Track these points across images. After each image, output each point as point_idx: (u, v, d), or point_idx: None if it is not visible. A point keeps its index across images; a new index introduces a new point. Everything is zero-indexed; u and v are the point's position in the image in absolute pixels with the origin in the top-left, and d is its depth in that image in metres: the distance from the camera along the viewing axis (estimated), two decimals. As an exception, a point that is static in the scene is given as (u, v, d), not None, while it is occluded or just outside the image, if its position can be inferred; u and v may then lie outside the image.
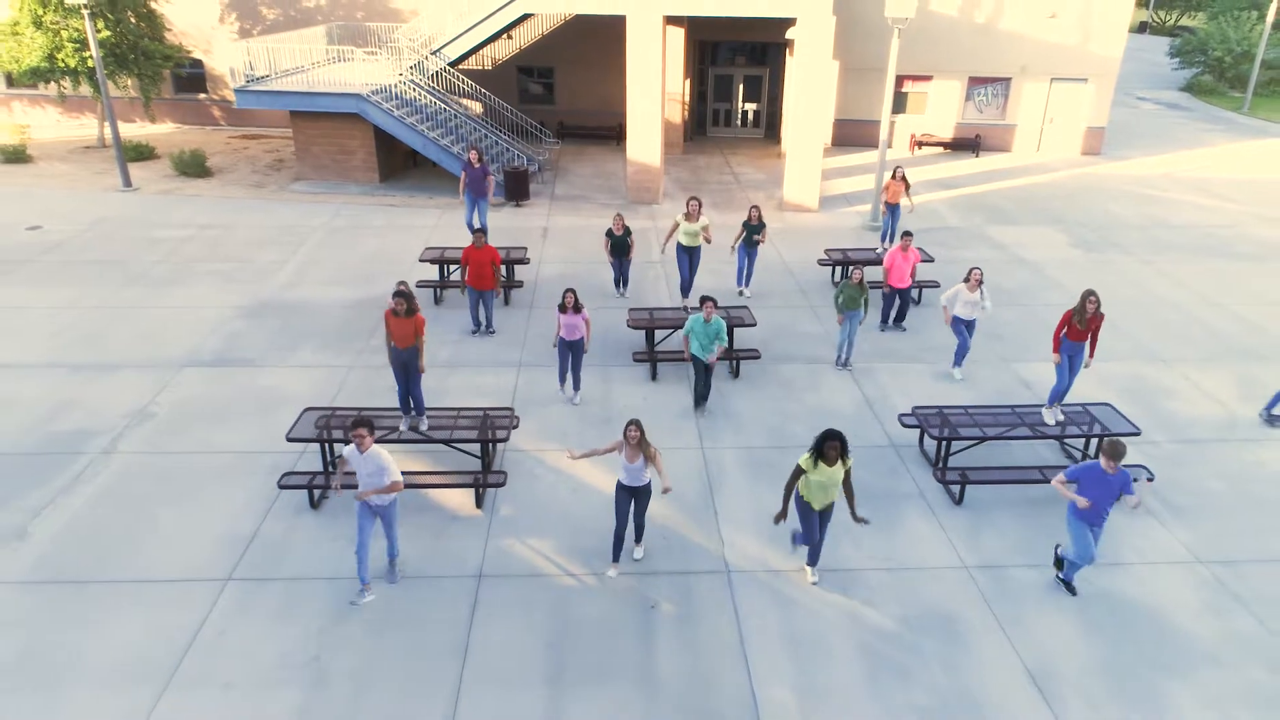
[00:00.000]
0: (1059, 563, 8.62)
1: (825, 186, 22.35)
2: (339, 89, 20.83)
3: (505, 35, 24.10)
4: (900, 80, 26.01)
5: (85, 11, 19.88)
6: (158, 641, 7.84)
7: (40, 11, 22.23)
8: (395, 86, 21.40)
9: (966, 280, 11.96)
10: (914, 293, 15.21)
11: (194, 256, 17.07)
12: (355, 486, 8.65)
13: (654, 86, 19.96)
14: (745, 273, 15.47)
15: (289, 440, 9.93)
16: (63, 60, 22.53)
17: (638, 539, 8.92)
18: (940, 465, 10.32)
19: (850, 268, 14.46)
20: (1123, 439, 9.65)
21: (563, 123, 27.52)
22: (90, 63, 22.39)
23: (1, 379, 12.21)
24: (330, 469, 9.98)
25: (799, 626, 8.15)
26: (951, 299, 12.16)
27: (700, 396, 11.67)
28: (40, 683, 7.39)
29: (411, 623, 8.12)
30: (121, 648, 7.76)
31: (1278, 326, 14.91)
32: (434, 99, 21.96)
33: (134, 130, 26.88)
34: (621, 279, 15.37)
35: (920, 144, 26.94)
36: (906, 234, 13.52)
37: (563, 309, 11.45)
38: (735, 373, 12.85)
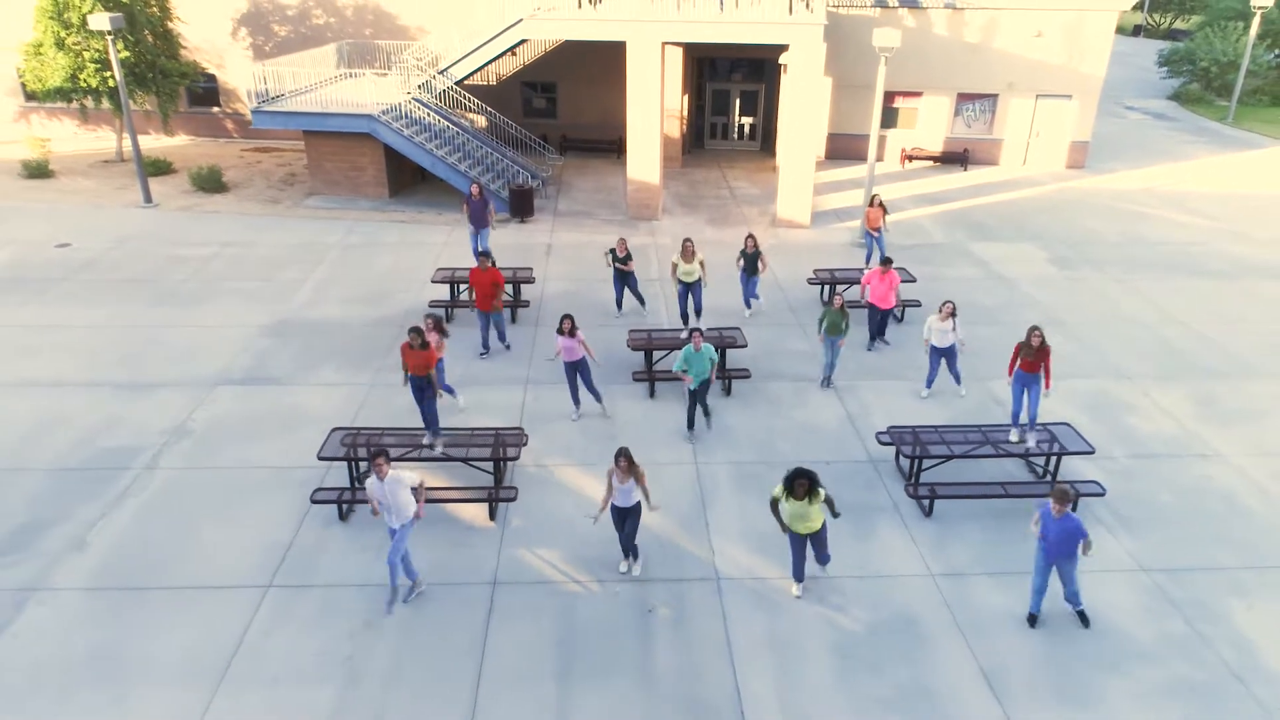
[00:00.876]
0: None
1: (818, 201, 23.30)
2: (351, 109, 21.79)
3: (510, 53, 25.04)
4: (891, 96, 26.97)
5: (109, 37, 20.80)
6: (210, 642, 8.85)
7: (63, 33, 23.17)
8: (404, 105, 22.36)
9: (939, 311, 12.93)
10: (897, 310, 16.26)
11: (218, 275, 18.05)
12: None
13: (653, 110, 20.91)
14: (750, 295, 16.41)
15: (320, 459, 10.94)
16: (85, 80, 23.47)
17: (634, 557, 9.89)
18: (912, 481, 11.32)
19: (833, 294, 15.40)
20: (1078, 467, 10.64)
21: (565, 136, 28.48)
22: (111, 82, 23.34)
23: (51, 397, 13.22)
24: (357, 484, 10.98)
25: (779, 629, 9.17)
26: (928, 329, 13.16)
27: (691, 421, 12.54)
28: (110, 678, 8.41)
29: (434, 625, 9.13)
30: (179, 648, 8.78)
31: (1236, 344, 15.89)
32: (441, 118, 22.92)
33: (150, 143, 27.82)
34: (638, 297, 16.27)
35: (910, 158, 27.90)
36: (886, 260, 14.51)
37: (560, 332, 12.45)
38: (728, 391, 13.84)
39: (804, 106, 20.65)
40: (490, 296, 14.24)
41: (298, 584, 9.66)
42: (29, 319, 15.82)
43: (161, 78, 24.97)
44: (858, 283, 16.08)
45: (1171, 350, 15.62)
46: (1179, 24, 67.31)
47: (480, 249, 17.21)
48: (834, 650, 8.90)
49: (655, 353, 14.26)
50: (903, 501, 11.26)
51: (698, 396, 12.28)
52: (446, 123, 23.05)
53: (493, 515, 10.79)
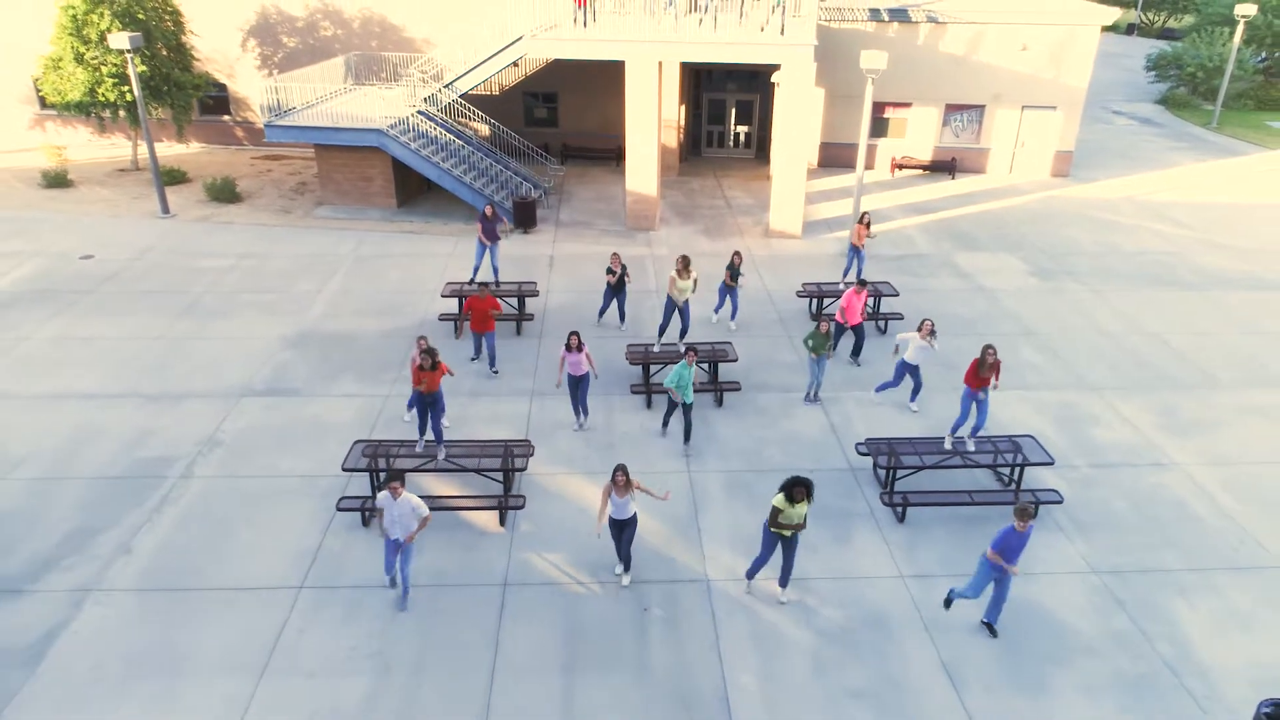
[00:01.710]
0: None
1: (809, 211, 24.23)
2: (360, 123, 22.68)
3: (512, 65, 25.87)
4: (881, 106, 27.90)
5: (129, 54, 21.66)
6: (251, 639, 9.85)
7: (81, 48, 24.02)
8: (411, 119, 23.26)
9: (919, 329, 13.87)
10: (881, 324, 17.24)
11: (236, 287, 18.99)
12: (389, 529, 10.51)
13: (651, 126, 21.81)
14: (732, 308, 17.35)
15: (344, 470, 11.93)
16: (103, 95, 24.33)
17: (626, 568, 10.82)
18: (887, 489, 12.32)
19: (820, 311, 16.32)
20: (1040, 476, 11.61)
21: (566, 144, 29.38)
22: (129, 96, 24.22)
23: (88, 409, 14.19)
24: (378, 491, 11.96)
25: (763, 627, 10.17)
26: (904, 342, 14.09)
27: (686, 432, 13.48)
28: (161, 671, 9.41)
29: (452, 623, 10.13)
30: (222, 644, 9.78)
31: (1200, 355, 16.87)
32: (446, 131, 23.81)
33: (163, 150, 28.66)
34: (621, 313, 17.24)
35: (900, 166, 28.82)
36: (862, 281, 15.46)
37: (568, 348, 13.41)
38: (719, 402, 14.82)
39: (795, 123, 21.56)
40: (486, 320, 15.23)
41: (327, 585, 10.65)
42: (58, 331, 16.76)
43: (176, 90, 25.83)
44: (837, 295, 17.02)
45: (1139, 362, 16.60)
46: (1172, 23, 68.04)
47: (477, 280, 18.19)
48: (811, 646, 9.91)
49: (652, 366, 15.22)
50: (878, 508, 12.25)
51: (686, 411, 13.20)
52: (451, 136, 23.95)
53: (503, 521, 11.78)
